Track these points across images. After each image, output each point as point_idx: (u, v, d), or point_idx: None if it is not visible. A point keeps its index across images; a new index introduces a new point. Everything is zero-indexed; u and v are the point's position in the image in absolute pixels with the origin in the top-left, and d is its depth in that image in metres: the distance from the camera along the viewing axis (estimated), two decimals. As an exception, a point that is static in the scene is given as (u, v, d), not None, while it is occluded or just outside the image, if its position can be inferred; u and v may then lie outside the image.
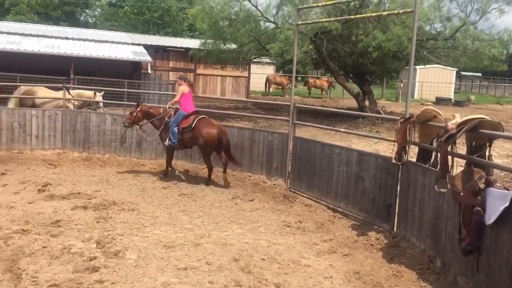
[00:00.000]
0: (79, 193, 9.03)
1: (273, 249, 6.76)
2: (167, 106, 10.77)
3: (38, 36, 23.61)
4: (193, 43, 28.81)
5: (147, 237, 6.97)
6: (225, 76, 30.42)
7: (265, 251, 6.67)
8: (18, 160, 11.72)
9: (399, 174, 7.44)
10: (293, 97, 10.80)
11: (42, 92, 14.79)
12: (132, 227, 7.36)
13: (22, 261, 5.80)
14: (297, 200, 9.46)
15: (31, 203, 8.29)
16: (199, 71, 29.58)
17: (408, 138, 6.96)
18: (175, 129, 10.32)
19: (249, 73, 31.44)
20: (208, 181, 10.50)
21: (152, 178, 10.73)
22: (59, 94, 14.07)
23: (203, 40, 24.90)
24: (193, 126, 10.25)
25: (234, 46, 23.80)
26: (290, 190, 9.98)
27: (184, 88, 10.50)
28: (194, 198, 9.25)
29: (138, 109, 10.88)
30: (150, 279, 5.58)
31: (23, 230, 6.85)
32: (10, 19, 36.89)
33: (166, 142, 10.48)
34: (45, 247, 6.28)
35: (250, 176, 10.93)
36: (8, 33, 23.20)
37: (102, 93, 14.93)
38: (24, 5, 41.03)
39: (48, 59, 21.06)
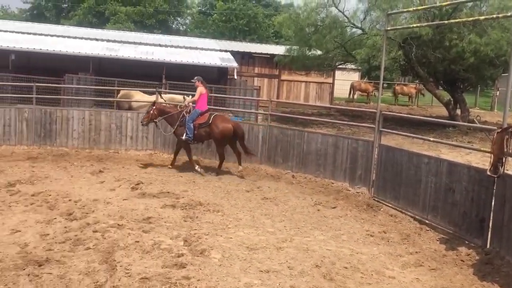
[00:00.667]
0: (168, 192, 9.47)
1: (355, 258, 6.66)
2: (186, 103, 11.72)
3: (134, 43, 25.11)
4: (278, 50, 29.11)
5: (231, 238, 7.16)
6: (309, 82, 30.38)
7: (347, 259, 6.59)
8: (114, 159, 12.54)
9: (494, 187, 7.02)
10: (379, 104, 10.57)
11: (138, 96, 15.75)
12: (216, 227, 7.59)
13: (117, 254, 6.20)
14: (381, 209, 9.24)
15: (125, 199, 8.84)
16: (283, 77, 29.82)
17: (505, 150, 6.55)
18: (191, 125, 11.32)
19: (333, 79, 31.15)
20: (218, 170, 11.60)
21: (235, 181, 10.99)
22: (152, 98, 14.87)
23: (288, 47, 25.09)
24: (210, 121, 11.33)
25: (319, 52, 23.74)
26: (374, 199, 9.76)
27: (202, 89, 11.48)
28: (277, 203, 9.35)
29: (154, 107, 11.62)
30: (233, 279, 5.73)
31: (118, 224, 7.33)
32: (110, 27, 39.55)
33: (184, 137, 11.36)
34: (138, 241, 6.67)
35: (332, 183, 10.84)
36: (108, 40, 24.90)
37: (190, 97, 15.56)
38: (122, 14, 43.77)
39: (143, 65, 22.33)
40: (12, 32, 23.82)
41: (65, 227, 7.15)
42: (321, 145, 11.26)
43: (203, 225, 7.64)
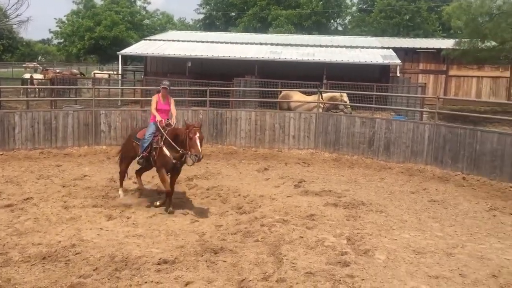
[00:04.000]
0: (330, 191, 9.57)
1: (541, 271, 5.94)
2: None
3: (296, 45, 25.86)
4: (445, 43, 27.27)
5: (396, 240, 6.96)
6: (482, 77, 27.81)
7: (530, 271, 5.92)
8: (278, 157, 13.09)
9: None
10: None
11: (296, 96, 16.19)
12: (380, 228, 7.45)
13: (283, 248, 6.48)
14: None
15: (289, 196, 9.18)
16: (451, 72, 27.80)
17: None
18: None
19: (511, 73, 28.02)
20: None
21: (399, 181, 10.62)
22: (312, 98, 15.19)
23: (457, 39, 23.30)
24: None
25: (493, 43, 21.59)
26: None
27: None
28: (446, 206, 8.80)
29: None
30: (399, 282, 5.57)
31: (283, 220, 7.65)
32: (272, 31, 41.40)
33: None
34: (302, 237, 6.88)
35: (511, 187, 9.81)
36: (271, 44, 26.07)
37: (345, 94, 15.55)
38: (283, 18, 45.46)
39: (304, 66, 22.87)
40: (189, 41, 26.39)
41: (236, 219, 7.71)
42: (497, 145, 10.28)
43: (366, 225, 7.55)
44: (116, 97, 22.70)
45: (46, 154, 12.37)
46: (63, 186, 9.42)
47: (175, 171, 8.31)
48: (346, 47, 25.80)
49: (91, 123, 13.33)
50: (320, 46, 26.00)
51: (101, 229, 7.15)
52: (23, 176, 10.12)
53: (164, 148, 8.07)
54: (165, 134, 8.13)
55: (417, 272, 5.84)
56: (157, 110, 8.55)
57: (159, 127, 8.32)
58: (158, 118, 8.39)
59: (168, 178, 8.28)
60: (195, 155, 7.51)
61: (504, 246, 6.80)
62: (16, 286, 5.26)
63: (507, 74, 27.80)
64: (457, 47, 22.91)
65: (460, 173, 10.95)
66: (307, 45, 25.96)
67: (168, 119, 8.47)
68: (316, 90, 14.98)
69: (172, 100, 8.78)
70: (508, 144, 10.08)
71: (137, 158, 8.64)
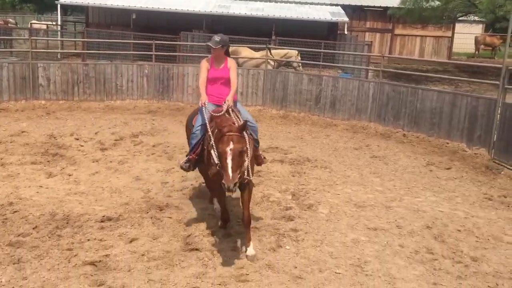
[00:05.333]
0: (276, 147, 9.66)
1: (471, 222, 6.34)
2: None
3: (245, 0, 25.31)
4: (392, 2, 27.53)
5: (338, 194, 7.17)
6: (425, 36, 28.44)
7: (461, 222, 6.30)
8: (225, 114, 12.99)
9: None
10: (505, 59, 9.66)
11: (245, 52, 16.00)
12: (324, 183, 7.64)
13: (229, 203, 6.48)
14: (502, 172, 8.60)
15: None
16: (397, 31, 28.24)
17: None
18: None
19: (452, 33, 28.83)
20: None
21: (344, 138, 10.87)
22: (260, 54, 15.07)
23: (404, -2, 23.60)
24: None
25: (438, 3, 22.03)
26: (494, 161, 9.09)
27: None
28: (386, 161, 9.13)
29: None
30: (340, 234, 5.78)
31: (229, 176, 7.66)
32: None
33: None
34: (248, 193, 6.94)
35: (447, 144, 10.28)
36: (219, -2, 25.43)
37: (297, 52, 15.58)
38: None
39: (253, 21, 22.50)
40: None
41: (182, 176, 7.65)
42: (436, 103, 10.66)
43: (311, 181, 7.73)
44: (56, 49, 21.57)
45: (-20, 109, 11.70)
46: (-1, 143, 8.99)
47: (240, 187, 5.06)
48: (296, 3, 25.55)
49: (28, 76, 12.65)
50: (270, 1, 25.60)
51: (41, 186, 6.91)
52: (-46, 132, 9.55)
53: (212, 152, 4.95)
54: (209, 130, 5.13)
55: (357, 225, 6.08)
56: (209, 80, 5.64)
57: (204, 114, 5.34)
58: (203, 98, 5.45)
59: (222, 199, 5.55)
60: (222, 183, 4.54)
61: (438, 199, 7.18)
62: (-51, 246, 5.03)
63: (449, 34, 28.62)
64: (402, 6, 23.22)
65: (401, 130, 11.33)
66: (256, 0, 25.49)
67: (225, 101, 5.31)
68: (265, 46, 14.85)
69: (232, 64, 5.69)
70: (447, 102, 10.48)
71: (181, 162, 5.77)
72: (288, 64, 15.76)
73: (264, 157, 5.97)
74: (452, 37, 28.86)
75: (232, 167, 4.50)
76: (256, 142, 5.55)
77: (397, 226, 6.08)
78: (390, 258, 5.26)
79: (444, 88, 16.43)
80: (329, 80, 13.02)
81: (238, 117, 5.25)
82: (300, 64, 15.73)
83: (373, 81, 13.03)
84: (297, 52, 15.67)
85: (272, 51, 15.38)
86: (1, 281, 4.43)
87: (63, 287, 4.39)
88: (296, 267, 4.97)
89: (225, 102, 5.33)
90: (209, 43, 5.59)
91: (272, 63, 15.09)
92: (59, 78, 12.98)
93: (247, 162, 4.78)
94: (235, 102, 5.63)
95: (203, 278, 4.67)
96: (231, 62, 5.70)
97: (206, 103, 5.39)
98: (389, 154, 9.66)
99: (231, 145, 4.54)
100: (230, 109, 5.29)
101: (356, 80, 13.01)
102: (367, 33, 27.97)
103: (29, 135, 9.65)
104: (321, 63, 15.89)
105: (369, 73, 17.93)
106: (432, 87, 14.46)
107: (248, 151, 4.82)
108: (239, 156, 4.58)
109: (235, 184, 4.51)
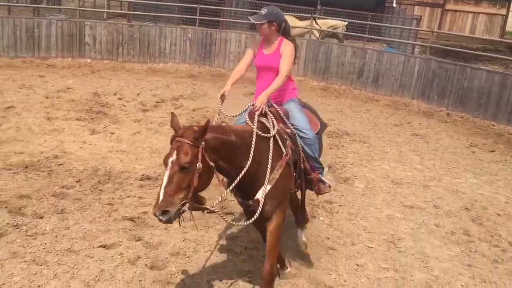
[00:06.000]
0: (315, 119, 9.57)
1: (511, 206, 6.18)
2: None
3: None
4: (446, -25, 26.39)
5: (376, 170, 7.10)
6: (478, 13, 27.25)
7: (502, 206, 6.15)
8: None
9: None
10: None
11: (288, 20, 15.78)
12: (362, 158, 7.57)
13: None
14: (550, 159, 8.30)
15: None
16: (448, 6, 27.14)
17: None
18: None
19: (507, 11, 27.46)
20: None
21: (384, 114, 10.67)
22: (304, 23, 14.80)
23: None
24: None
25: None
26: (542, 148, 8.78)
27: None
28: (427, 140, 8.93)
29: None
30: (375, 209, 5.76)
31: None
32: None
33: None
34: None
35: (493, 125, 9.98)
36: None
37: (346, 23, 15.20)
38: None
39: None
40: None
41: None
42: (485, 83, 10.29)
43: (348, 154, 7.67)
44: (102, 9, 21.82)
45: (29, 64, 12.02)
46: (46, 97, 9.25)
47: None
48: (344, -28, 24.83)
49: (75, 34, 12.88)
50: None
51: (84, 142, 7.13)
52: (4, 85, 9.88)
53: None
54: (254, 129, 3.63)
55: (393, 202, 6.03)
56: (257, 69, 4.28)
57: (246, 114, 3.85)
58: (223, 89, 4.08)
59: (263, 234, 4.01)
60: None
61: (479, 182, 7.01)
62: (-1, 192, 5.30)
63: (504, 11, 27.29)
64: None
65: (445, 109, 11.02)
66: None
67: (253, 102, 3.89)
68: (310, 16, 14.57)
69: (287, 48, 4.07)
70: (496, 83, 10.10)
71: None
72: (333, 36, 15.42)
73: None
74: (506, 15, 27.49)
75: (165, 188, 3.10)
76: (312, 160, 4.13)
77: (434, 206, 5.99)
78: (424, 236, 5.21)
79: (494, 68, 15.79)
80: (373, 54, 12.71)
81: (273, 122, 3.80)
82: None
83: (419, 57, 12.63)
84: (345, 23, 15.30)
85: (319, 21, 15.08)
86: (46, 229, 4.65)
87: (103, 239, 4.57)
88: (328, 238, 5.00)
89: (252, 104, 3.85)
90: (251, 18, 4.11)
91: (316, 33, 14.81)
92: (105, 38, 13.16)
93: (196, 185, 3.18)
94: (292, 100, 4.28)
95: (236, 241, 4.76)
96: (286, 46, 4.07)
97: (223, 95, 4.01)
98: (430, 132, 9.44)
99: (173, 156, 3.16)
100: (262, 111, 3.80)
101: (401, 55, 12.64)
102: (416, 7, 26.99)
103: (74, 92, 9.90)
104: (366, 35, 15.48)
105: (416, 49, 17.36)
106: (482, 67, 13.92)
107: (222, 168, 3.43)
108: (180, 174, 3.12)
109: (165, 214, 3.06)
